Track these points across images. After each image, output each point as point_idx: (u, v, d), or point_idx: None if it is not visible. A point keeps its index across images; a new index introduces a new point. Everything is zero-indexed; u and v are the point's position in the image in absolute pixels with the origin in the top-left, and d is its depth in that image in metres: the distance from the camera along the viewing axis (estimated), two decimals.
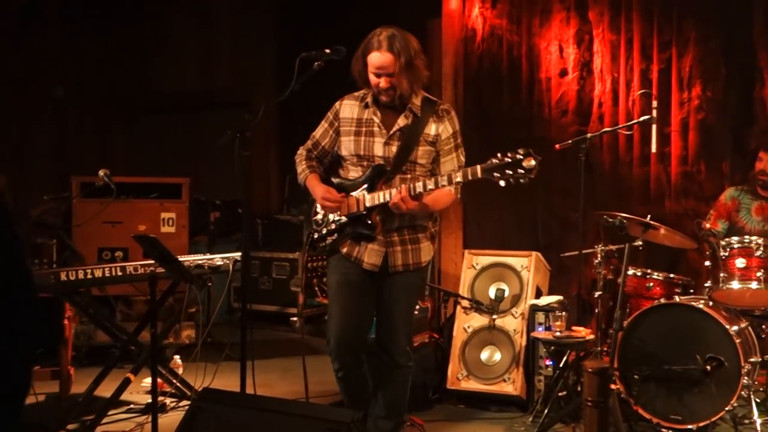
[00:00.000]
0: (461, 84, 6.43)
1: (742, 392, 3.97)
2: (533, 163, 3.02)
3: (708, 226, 4.49)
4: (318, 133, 3.64)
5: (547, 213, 6.10)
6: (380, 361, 3.60)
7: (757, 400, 4.08)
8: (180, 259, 4.11)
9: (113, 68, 8.70)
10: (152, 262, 4.11)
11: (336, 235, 3.53)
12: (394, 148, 3.42)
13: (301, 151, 3.67)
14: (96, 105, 8.79)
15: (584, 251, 4.56)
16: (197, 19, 8.72)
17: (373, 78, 3.38)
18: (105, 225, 5.74)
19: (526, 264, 4.93)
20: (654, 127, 4.52)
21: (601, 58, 5.86)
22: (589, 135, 4.58)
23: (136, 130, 9.16)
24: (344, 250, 3.51)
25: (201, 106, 8.72)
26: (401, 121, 3.43)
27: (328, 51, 3.40)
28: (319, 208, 3.62)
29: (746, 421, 4.05)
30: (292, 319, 7.18)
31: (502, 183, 3.09)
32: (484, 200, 6.36)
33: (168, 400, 4.69)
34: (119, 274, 4.25)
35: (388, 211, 3.38)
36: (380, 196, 3.36)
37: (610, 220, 4.19)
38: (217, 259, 4.44)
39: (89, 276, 4.15)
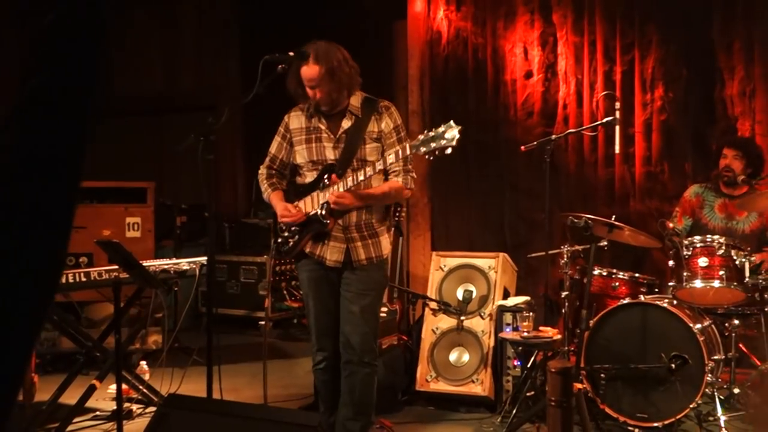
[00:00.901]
0: (427, 86, 6.45)
1: (707, 390, 4.02)
2: (455, 132, 3.24)
3: (672, 225, 4.54)
4: (273, 147, 3.85)
5: (513, 214, 6.14)
6: (346, 360, 3.67)
7: (721, 397, 4.13)
8: (145, 264, 4.07)
9: None
10: (117, 267, 4.06)
11: (297, 237, 3.68)
12: (341, 150, 3.62)
13: (262, 170, 3.88)
14: None
15: (551, 252, 4.58)
16: (160, 20, 8.65)
17: (309, 90, 3.57)
18: None
19: (494, 265, 4.95)
20: (617, 128, 4.55)
21: (566, 60, 5.91)
22: (554, 136, 4.62)
23: (99, 134, 9.02)
24: (307, 249, 3.68)
25: (165, 108, 8.65)
26: (345, 124, 3.63)
27: (292, 54, 3.41)
28: None
29: (711, 419, 4.10)
30: (260, 323, 7.15)
31: (429, 157, 3.32)
32: (452, 202, 6.39)
33: (134, 407, 4.64)
34: (83, 279, 4.19)
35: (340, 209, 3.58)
36: (331, 191, 3.56)
37: (576, 220, 4.23)
38: (184, 263, 4.40)
39: None
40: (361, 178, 3.51)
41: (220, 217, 7.42)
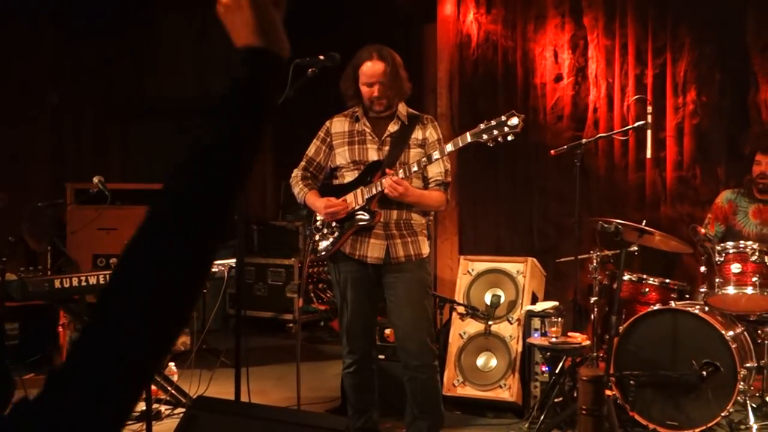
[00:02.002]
0: (456, 89, 6.43)
1: (738, 398, 3.96)
2: (516, 120, 3.33)
3: (704, 231, 4.48)
4: (311, 150, 3.87)
5: (542, 219, 6.10)
6: (405, 365, 3.73)
7: (753, 405, 4.08)
8: None
9: (109, 74, 8.68)
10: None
11: (337, 234, 3.70)
12: (386, 151, 3.68)
13: (296, 173, 3.89)
14: (92, 111, 8.76)
15: (580, 257, 4.55)
16: (192, 23, 8.71)
17: (365, 89, 3.64)
18: (100, 232, 5.73)
19: (522, 270, 4.92)
20: (649, 132, 4.53)
21: (596, 63, 5.86)
22: (584, 140, 4.59)
23: (133, 137, 9.13)
24: (347, 250, 3.69)
25: (196, 111, 8.70)
26: (391, 128, 3.70)
27: (322, 57, 3.41)
28: (319, 216, 3.79)
29: (742, 427, 4.04)
30: (288, 325, 7.17)
31: (490, 144, 3.40)
32: (480, 206, 6.36)
33: (163, 408, 4.67)
34: None
35: (385, 202, 3.61)
36: (377, 186, 3.59)
37: (606, 225, 4.19)
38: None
39: (83, 283, 4.14)
40: (415, 168, 3.58)
41: (248, 219, 7.46)
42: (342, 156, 3.75)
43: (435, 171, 3.68)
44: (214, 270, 4.41)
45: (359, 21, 7.30)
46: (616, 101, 5.78)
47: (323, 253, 3.78)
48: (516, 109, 6.08)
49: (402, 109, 3.75)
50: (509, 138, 3.36)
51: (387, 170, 3.60)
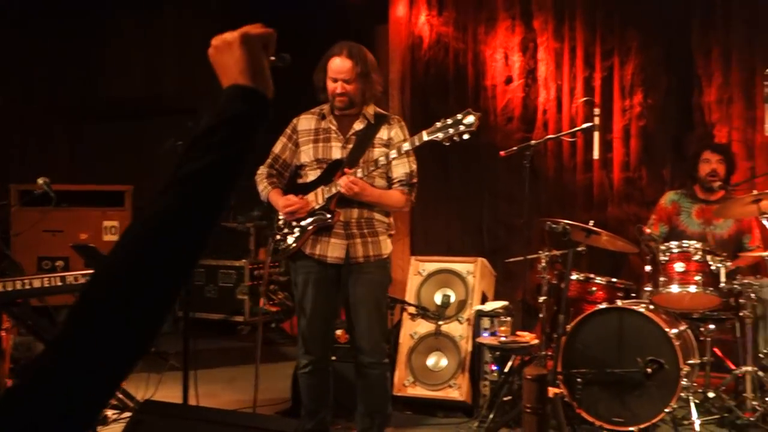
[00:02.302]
0: (408, 90, 6.46)
1: (682, 394, 4.04)
2: (472, 118, 3.32)
3: (649, 231, 4.57)
4: (277, 147, 3.85)
5: (492, 219, 6.15)
6: (356, 361, 3.77)
7: (696, 401, 4.16)
8: None
9: (56, 74, 8.52)
10: (93, 271, 4.03)
11: (297, 233, 3.68)
12: (350, 150, 3.66)
13: (261, 170, 3.86)
14: (39, 112, 8.60)
15: (529, 257, 4.60)
16: (143, 23, 8.60)
17: (330, 84, 3.64)
18: (45, 234, 5.62)
19: (472, 270, 4.96)
20: (596, 134, 4.60)
21: (546, 65, 5.94)
22: (533, 142, 4.63)
23: (81, 137, 8.98)
24: (307, 250, 3.68)
25: (147, 112, 8.59)
26: (356, 126, 3.69)
27: (273, 58, 3.39)
28: (281, 215, 3.78)
29: (685, 422, 4.13)
30: (239, 327, 7.11)
31: (446, 143, 3.38)
32: (431, 207, 6.39)
33: (110, 412, 4.59)
34: (59, 284, 4.15)
35: (346, 202, 3.60)
36: (337, 185, 3.58)
37: (554, 225, 4.25)
38: None
39: (27, 286, 4.05)
40: (372, 168, 3.56)
41: None
42: (306, 154, 3.74)
43: (400, 171, 3.68)
44: None
45: (312, 21, 7.28)
46: (565, 103, 5.86)
47: (284, 252, 3.77)
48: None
49: (369, 108, 3.74)
50: (465, 137, 3.36)
51: (346, 169, 3.59)
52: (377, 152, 3.64)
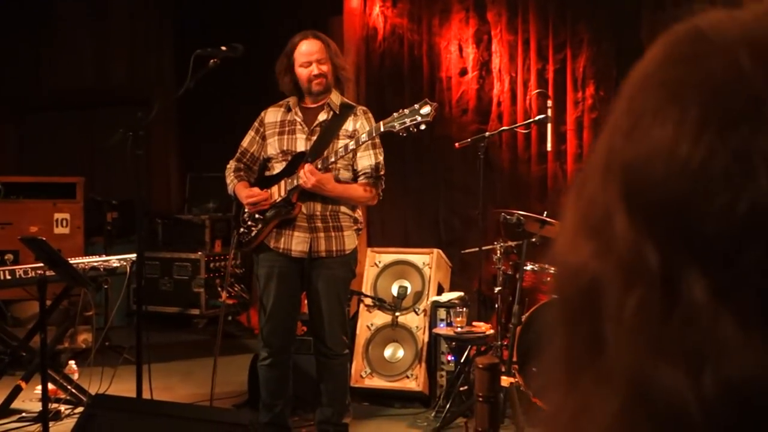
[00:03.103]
0: (363, 82, 6.45)
1: None
2: (429, 108, 3.32)
3: None
4: (245, 141, 3.83)
5: (448, 210, 6.19)
6: (317, 352, 3.78)
7: None
8: (73, 262, 3.98)
9: (2, 64, 8.32)
10: (42, 265, 3.96)
11: (260, 225, 3.65)
12: (314, 141, 3.63)
13: (230, 165, 3.84)
14: None
15: (484, 248, 4.64)
16: (91, 12, 8.44)
17: (302, 71, 3.59)
18: None
19: (428, 261, 4.98)
20: (549, 125, 4.64)
21: (500, 57, 5.98)
22: (487, 133, 4.67)
23: (28, 128, 8.80)
24: (271, 243, 3.66)
25: (96, 103, 8.45)
26: (321, 116, 3.66)
27: (224, 48, 3.37)
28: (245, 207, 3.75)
29: None
30: (194, 320, 7.05)
31: (403, 134, 3.39)
32: (387, 199, 6.38)
33: (63, 407, 4.53)
34: (8, 277, 4.09)
35: (309, 195, 3.57)
36: (297, 178, 3.55)
37: (508, 217, 4.29)
38: (114, 260, 4.32)
39: None
40: (332, 159, 3.52)
41: (151, 212, 7.30)
42: (272, 146, 3.72)
43: (365, 164, 3.66)
44: (115, 265, 4.30)
45: (266, 11, 7.23)
46: (519, 95, 5.91)
47: (247, 245, 3.75)
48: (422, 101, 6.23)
49: (335, 98, 3.70)
50: (422, 127, 3.35)
51: (308, 162, 3.56)
52: (341, 143, 3.61)
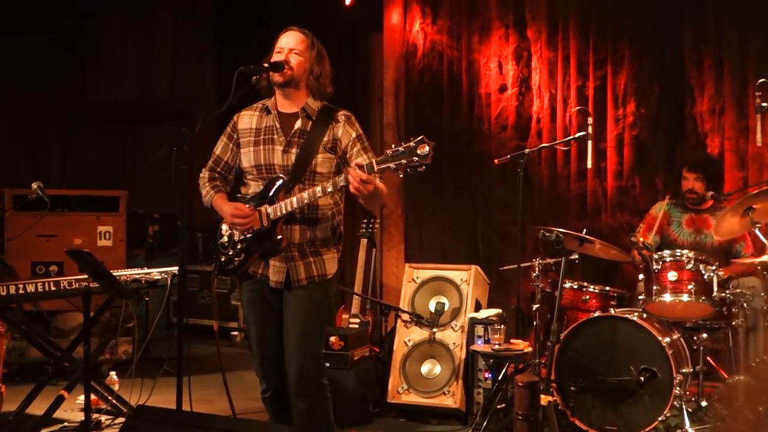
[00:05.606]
0: (402, 98, 6.48)
1: (675, 402, 4.06)
2: (427, 149, 2.94)
3: (641, 239, 4.58)
4: (218, 148, 3.55)
5: (486, 227, 6.17)
6: (290, 389, 3.34)
7: (689, 410, 4.18)
8: (116, 274, 4.05)
9: (48, 77, 8.50)
10: (86, 276, 4.03)
11: (243, 255, 3.37)
12: (292, 157, 3.32)
13: (203, 174, 3.57)
14: (30, 116, 8.59)
15: (523, 265, 4.62)
16: (136, 27, 8.60)
17: (276, 57, 3.37)
18: (39, 238, 5.61)
19: (466, 277, 4.97)
20: (590, 142, 4.61)
21: (539, 74, 5.97)
22: (527, 150, 4.67)
23: (73, 142, 8.97)
24: (251, 269, 3.39)
25: (139, 117, 8.59)
26: (297, 124, 3.36)
27: (266, 65, 3.39)
28: (223, 230, 3.47)
29: (679, 431, 4.14)
30: (232, 333, 7.11)
31: (400, 174, 3.00)
32: (426, 214, 6.41)
33: (103, 418, 4.59)
34: (53, 289, 4.16)
35: (291, 223, 3.29)
36: (282, 207, 3.25)
37: (547, 234, 4.26)
38: (155, 273, 4.38)
39: (21, 291, 4.06)
40: (320, 195, 3.20)
41: (192, 226, 7.38)
42: (246, 157, 3.40)
43: (361, 164, 3.11)
44: (156, 278, 4.36)
45: (307, 28, 7.28)
46: (559, 112, 5.89)
47: (230, 272, 3.43)
48: (461, 118, 6.24)
49: (312, 103, 3.39)
50: (420, 170, 2.96)
51: (281, 194, 3.27)
52: (321, 158, 3.31)
